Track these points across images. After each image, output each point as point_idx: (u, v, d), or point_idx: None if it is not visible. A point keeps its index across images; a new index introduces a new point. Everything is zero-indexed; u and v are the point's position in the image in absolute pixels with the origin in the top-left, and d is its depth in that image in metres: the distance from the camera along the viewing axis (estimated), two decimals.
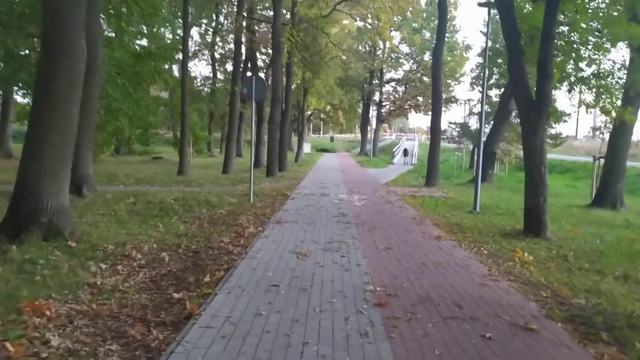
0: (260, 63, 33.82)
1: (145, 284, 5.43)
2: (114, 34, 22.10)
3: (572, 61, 10.24)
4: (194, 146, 29.99)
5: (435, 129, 18.99)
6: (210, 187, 15.92)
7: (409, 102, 49.26)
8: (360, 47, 43.30)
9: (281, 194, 13.76)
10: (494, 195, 17.36)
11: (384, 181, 20.47)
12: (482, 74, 31.86)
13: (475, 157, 21.06)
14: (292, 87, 26.06)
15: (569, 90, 11.75)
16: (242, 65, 24.22)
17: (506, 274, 6.16)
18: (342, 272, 5.75)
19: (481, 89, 30.09)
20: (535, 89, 9.17)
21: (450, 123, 34.12)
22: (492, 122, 31.22)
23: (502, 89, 27.40)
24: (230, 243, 7.20)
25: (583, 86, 11.58)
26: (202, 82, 43.04)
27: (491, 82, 31.19)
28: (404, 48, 51.34)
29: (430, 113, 50.35)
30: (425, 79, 49.47)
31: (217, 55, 41.34)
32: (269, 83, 20.43)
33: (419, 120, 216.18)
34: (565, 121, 28.37)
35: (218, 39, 39.56)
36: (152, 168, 24.13)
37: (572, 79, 11.28)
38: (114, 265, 6.06)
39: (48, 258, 5.78)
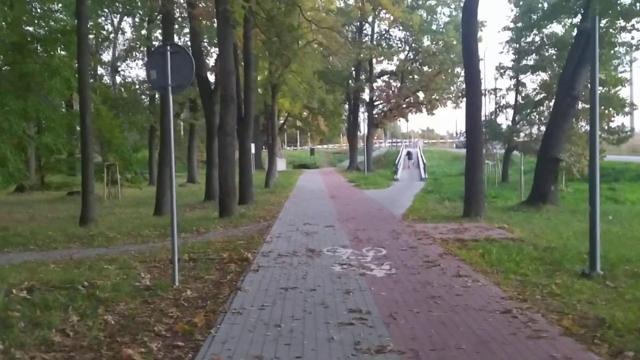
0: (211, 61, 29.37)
1: None
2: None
3: None
4: (123, 175, 25.19)
5: (474, 130, 14.54)
6: (122, 246, 11.29)
7: (407, 100, 45.05)
8: (344, 29, 38.95)
9: (237, 259, 9.06)
10: (578, 226, 12.96)
11: (400, 212, 15.95)
12: (516, 51, 27.76)
13: (540, 168, 16.67)
14: (253, 81, 21.49)
15: None
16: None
17: None
18: None
19: (513, 72, 25.97)
20: None
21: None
22: (526, 116, 27.22)
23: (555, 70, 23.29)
24: None
25: None
26: (139, 87, 38.25)
27: (522, 63, 27.11)
28: (397, 33, 47.46)
29: (434, 112, 46.66)
30: (425, 68, 45.56)
31: None
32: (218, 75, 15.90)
33: (413, 123, 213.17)
34: (629, 113, 24.46)
35: (160, 31, 35.03)
36: (55, 211, 19.28)
37: None
38: None
39: None
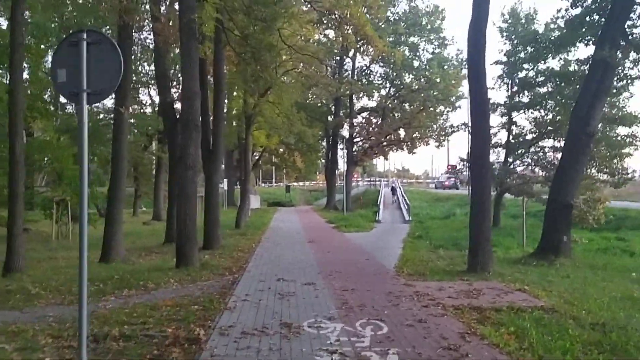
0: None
1: None
2: None
3: None
4: (75, 211, 22.37)
5: (481, 169, 12.39)
6: (42, 308, 8.76)
7: (388, 137, 43.22)
8: (325, 60, 37.00)
9: (184, 338, 6.55)
10: (610, 288, 10.77)
11: (391, 262, 13.63)
12: (509, 87, 26.14)
13: (550, 215, 14.55)
14: (225, 110, 19.18)
15: None
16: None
17: None
18: None
19: (505, 109, 24.24)
20: None
21: (462, 160, 27.72)
22: (518, 156, 25.45)
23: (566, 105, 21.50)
24: None
25: None
26: (105, 115, 35.62)
27: (516, 99, 25.36)
28: (377, 69, 45.98)
29: (415, 151, 45.04)
30: (407, 106, 43.99)
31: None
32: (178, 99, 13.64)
33: (389, 162, 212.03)
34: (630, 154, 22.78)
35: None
36: None
37: None
38: None
39: None
